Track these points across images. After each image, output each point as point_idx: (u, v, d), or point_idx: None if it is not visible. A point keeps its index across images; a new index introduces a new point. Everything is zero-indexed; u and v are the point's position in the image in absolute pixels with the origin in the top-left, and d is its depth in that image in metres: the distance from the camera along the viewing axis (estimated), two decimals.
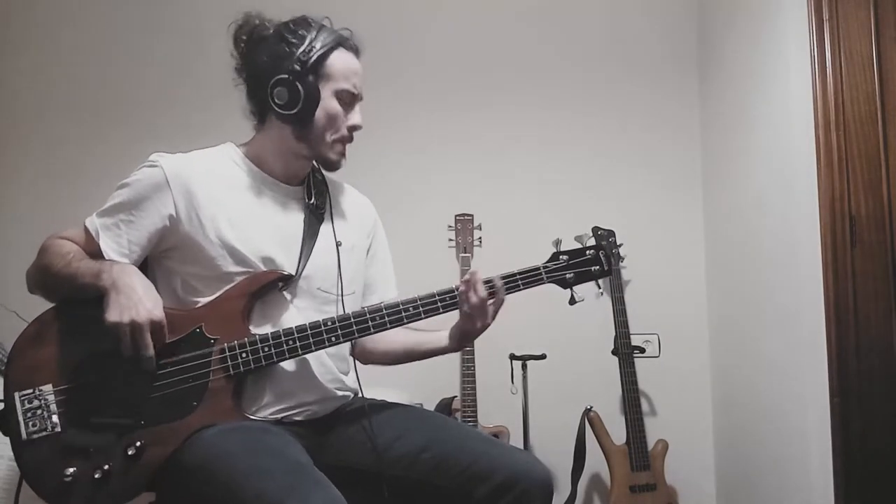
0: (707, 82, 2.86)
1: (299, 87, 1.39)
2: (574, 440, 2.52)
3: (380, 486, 1.39)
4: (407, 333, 1.58)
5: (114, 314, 1.25)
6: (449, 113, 2.89)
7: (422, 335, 1.58)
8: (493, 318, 1.45)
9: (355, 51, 1.48)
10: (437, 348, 1.56)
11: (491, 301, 1.42)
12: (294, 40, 1.41)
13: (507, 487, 1.32)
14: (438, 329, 1.55)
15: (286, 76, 1.39)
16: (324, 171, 1.57)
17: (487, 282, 1.43)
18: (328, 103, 1.43)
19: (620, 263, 2.64)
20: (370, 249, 1.64)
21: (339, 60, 1.44)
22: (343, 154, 1.49)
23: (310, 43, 1.41)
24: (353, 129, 1.48)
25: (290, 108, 1.40)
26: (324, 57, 1.42)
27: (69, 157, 2.85)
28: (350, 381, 1.53)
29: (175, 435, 1.29)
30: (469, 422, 2.47)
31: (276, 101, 1.40)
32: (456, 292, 1.43)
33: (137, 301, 1.27)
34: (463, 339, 1.51)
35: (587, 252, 1.51)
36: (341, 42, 1.45)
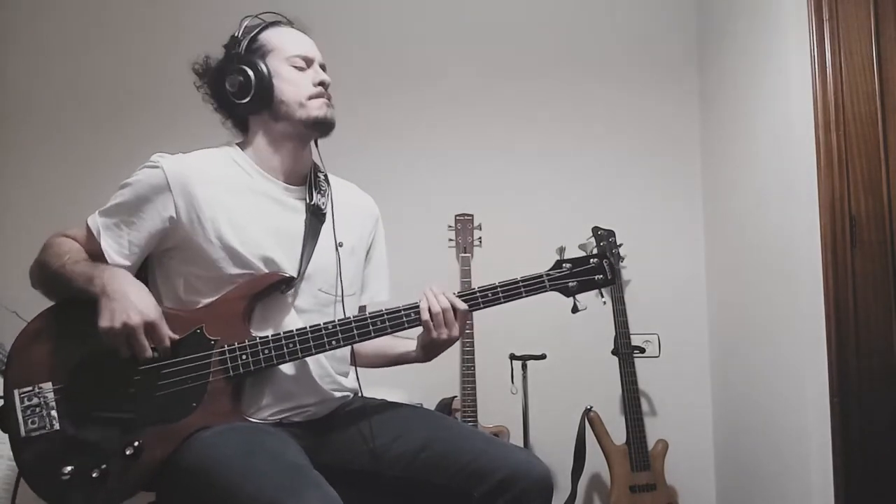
0: (707, 82, 2.85)
1: (244, 69, 1.43)
2: (574, 440, 2.52)
3: (379, 486, 1.39)
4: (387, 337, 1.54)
5: (105, 319, 1.26)
6: (449, 113, 2.89)
7: (393, 339, 1.54)
8: (460, 331, 1.43)
9: (296, 26, 1.52)
10: (405, 353, 1.55)
11: (446, 314, 1.40)
12: (229, 45, 1.48)
13: (507, 486, 1.32)
14: (411, 337, 1.53)
15: (231, 71, 1.44)
16: (326, 171, 1.56)
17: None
18: (283, 72, 1.45)
19: (620, 263, 2.64)
20: (369, 249, 1.64)
21: (273, 34, 1.48)
22: (326, 106, 1.47)
23: (240, 34, 1.47)
24: (321, 84, 1.47)
25: (246, 91, 1.43)
26: (256, 37, 1.47)
27: (70, 157, 2.85)
28: (348, 382, 1.53)
29: (174, 435, 1.29)
30: (469, 422, 2.47)
31: (231, 90, 1.44)
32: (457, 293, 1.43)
33: (129, 305, 1.26)
34: (428, 351, 1.49)
35: (591, 261, 1.50)
36: (271, 23, 1.49)
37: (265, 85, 1.43)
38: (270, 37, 1.47)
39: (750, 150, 2.47)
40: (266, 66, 1.43)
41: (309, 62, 1.48)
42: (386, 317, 1.40)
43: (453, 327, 1.41)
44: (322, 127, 1.48)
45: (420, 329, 1.43)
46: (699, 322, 2.83)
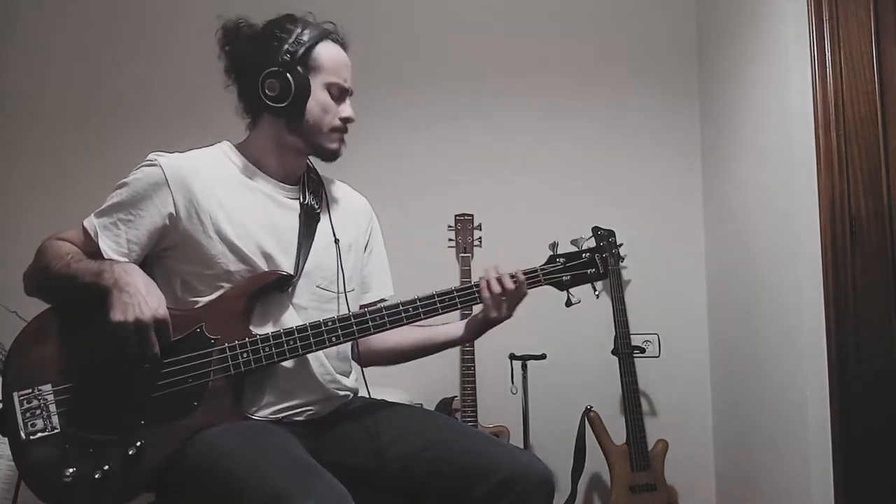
0: (707, 82, 2.85)
1: (290, 78, 1.40)
2: (574, 440, 2.52)
3: (379, 486, 1.39)
4: (415, 329, 1.57)
5: (118, 313, 1.25)
6: (449, 113, 2.89)
7: (432, 330, 1.58)
8: (512, 310, 1.49)
9: (342, 44, 1.49)
10: (450, 340, 1.58)
11: (505, 295, 1.46)
12: (282, 35, 1.42)
13: (508, 486, 1.32)
14: (445, 322, 1.57)
15: (276, 68, 1.40)
16: (319, 171, 1.57)
17: (512, 276, 1.48)
18: (319, 95, 1.44)
19: (620, 263, 2.64)
20: (367, 246, 1.64)
21: (328, 53, 1.45)
22: (342, 141, 1.50)
23: (297, 36, 1.42)
24: (346, 120, 1.48)
25: (281, 100, 1.41)
26: (311, 49, 1.43)
27: (69, 157, 2.85)
28: (349, 381, 1.53)
29: (175, 435, 1.28)
30: (469, 422, 2.47)
31: (268, 93, 1.41)
32: (454, 293, 1.45)
33: (141, 299, 1.26)
34: (482, 329, 1.53)
35: (583, 255, 1.54)
36: (327, 34, 1.47)
37: (301, 100, 1.42)
38: (322, 53, 1.44)
39: (750, 151, 2.47)
40: (311, 84, 1.42)
41: (344, 94, 1.48)
42: (385, 312, 1.41)
43: (508, 308, 1.48)
44: (329, 158, 1.50)
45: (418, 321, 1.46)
46: (699, 322, 2.83)
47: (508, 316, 1.50)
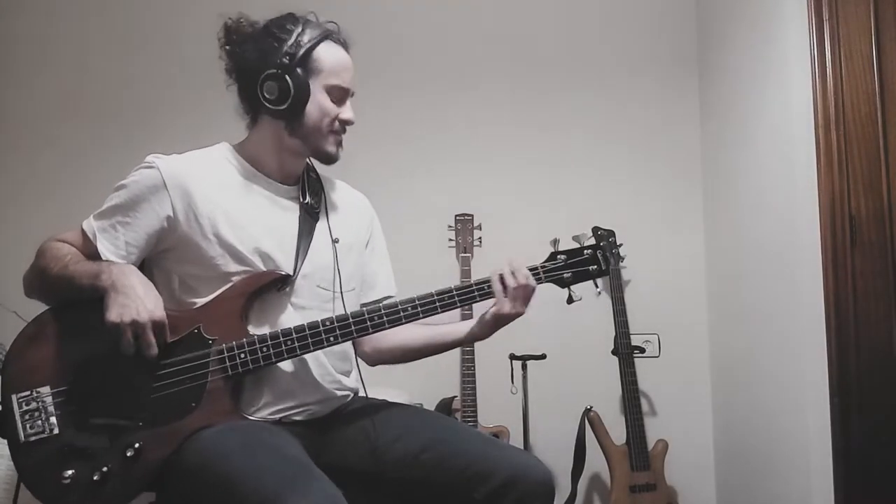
0: (707, 82, 2.85)
1: (289, 81, 1.39)
2: (574, 440, 2.52)
3: (379, 487, 1.39)
4: (424, 328, 1.56)
5: (114, 314, 1.25)
6: (449, 113, 2.89)
7: (442, 328, 1.56)
8: (525, 306, 1.46)
9: (343, 45, 1.47)
10: (460, 338, 1.55)
11: (520, 288, 1.43)
12: (282, 35, 1.41)
13: (508, 488, 1.31)
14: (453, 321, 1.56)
15: (275, 71, 1.39)
16: (318, 170, 1.57)
17: (532, 269, 1.46)
18: (319, 98, 1.42)
19: (620, 263, 2.64)
20: (368, 245, 1.63)
21: (328, 54, 1.43)
22: (340, 145, 1.48)
23: (297, 37, 1.40)
24: (345, 123, 1.47)
25: (280, 103, 1.40)
26: (312, 50, 1.41)
27: (68, 157, 2.84)
28: (350, 381, 1.53)
29: (174, 436, 1.28)
30: (469, 422, 2.47)
31: (267, 96, 1.40)
32: (454, 292, 1.44)
33: (138, 301, 1.26)
34: (496, 325, 1.50)
35: (585, 252, 1.52)
36: (328, 35, 1.44)
37: (300, 103, 1.41)
38: (322, 55, 1.42)
39: (750, 150, 2.47)
40: (310, 86, 1.41)
41: (345, 96, 1.46)
42: (383, 312, 1.40)
43: (524, 302, 1.45)
44: (326, 161, 1.49)
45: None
46: (699, 322, 2.83)
47: (522, 312, 1.45)
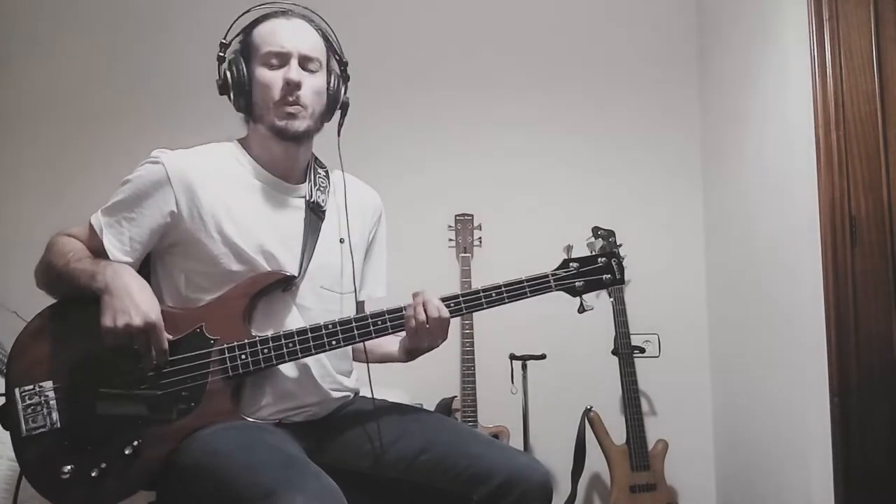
0: (707, 82, 2.85)
1: (227, 73, 1.42)
2: (574, 440, 2.52)
3: (378, 487, 1.39)
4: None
5: (107, 318, 1.25)
6: (449, 113, 2.89)
7: (383, 339, 1.51)
8: (442, 337, 1.42)
9: (289, 15, 1.44)
10: (390, 353, 1.55)
11: (430, 322, 1.39)
12: (236, 34, 1.45)
13: (506, 489, 1.31)
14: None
15: (222, 68, 1.43)
16: (328, 166, 1.56)
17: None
18: (258, 74, 1.41)
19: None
20: (369, 245, 1.62)
21: (261, 30, 1.43)
22: (290, 115, 1.39)
23: (229, 32, 1.44)
24: (287, 84, 1.38)
25: (224, 92, 1.43)
26: (249, 34, 1.43)
27: (70, 156, 2.85)
28: (350, 381, 1.53)
29: (173, 435, 1.29)
30: (469, 422, 2.47)
31: (221, 93, 1.44)
32: (460, 298, 1.42)
33: (131, 304, 1.26)
34: (412, 355, 1.50)
35: (599, 260, 1.49)
36: (267, 16, 1.44)
37: (241, 88, 1.40)
38: (256, 34, 1.43)
39: (750, 150, 2.47)
40: (245, 67, 1.40)
41: (284, 58, 1.39)
42: (387, 316, 1.40)
43: (438, 336, 1.41)
44: (281, 136, 1.41)
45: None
46: (699, 322, 2.83)
47: (435, 346, 1.42)
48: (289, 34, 1.41)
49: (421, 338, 1.41)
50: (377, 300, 1.57)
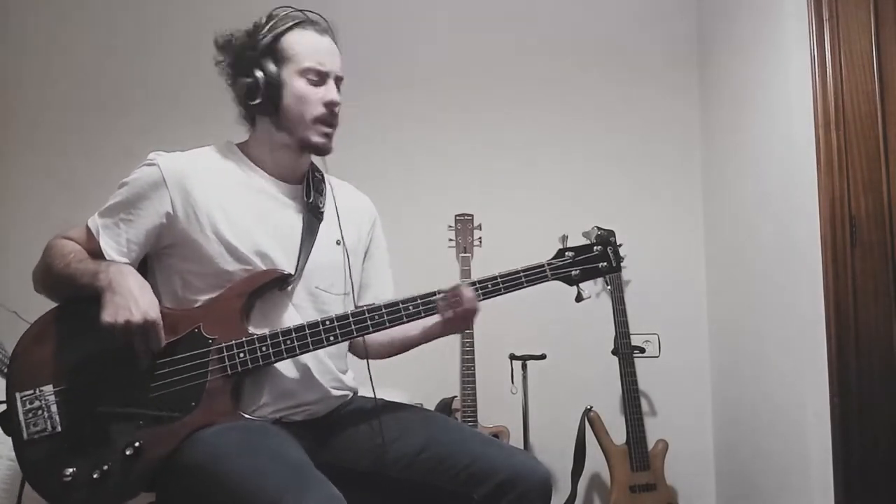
0: (707, 82, 2.85)
1: (258, 75, 1.39)
2: (574, 440, 2.52)
3: (378, 487, 1.39)
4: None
5: (108, 315, 1.26)
6: (449, 113, 2.89)
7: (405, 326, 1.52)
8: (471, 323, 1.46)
9: (319, 29, 1.45)
10: (411, 337, 1.55)
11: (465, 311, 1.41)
12: (255, 33, 1.42)
13: (506, 488, 1.32)
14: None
15: (247, 68, 1.40)
16: (323, 171, 1.57)
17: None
18: (295, 85, 1.41)
19: (621, 263, 2.63)
20: (368, 247, 1.63)
21: (297, 39, 1.42)
22: (327, 135, 1.44)
23: (266, 31, 1.41)
24: (330, 105, 1.42)
25: (253, 97, 1.40)
26: (279, 39, 1.41)
27: (70, 157, 2.85)
28: (349, 379, 1.53)
29: (173, 435, 1.29)
30: (469, 422, 2.47)
31: (247, 97, 1.41)
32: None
33: (132, 302, 1.27)
34: (443, 334, 1.51)
35: (594, 248, 1.50)
36: (299, 22, 1.44)
37: (274, 95, 1.40)
38: (292, 42, 1.41)
39: (750, 150, 2.47)
40: (280, 75, 1.40)
41: (324, 77, 1.42)
42: (384, 311, 1.40)
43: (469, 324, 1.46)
44: (315, 152, 1.46)
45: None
46: (699, 322, 2.83)
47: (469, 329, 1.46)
48: (328, 53, 1.44)
49: (455, 325, 1.45)
50: None
